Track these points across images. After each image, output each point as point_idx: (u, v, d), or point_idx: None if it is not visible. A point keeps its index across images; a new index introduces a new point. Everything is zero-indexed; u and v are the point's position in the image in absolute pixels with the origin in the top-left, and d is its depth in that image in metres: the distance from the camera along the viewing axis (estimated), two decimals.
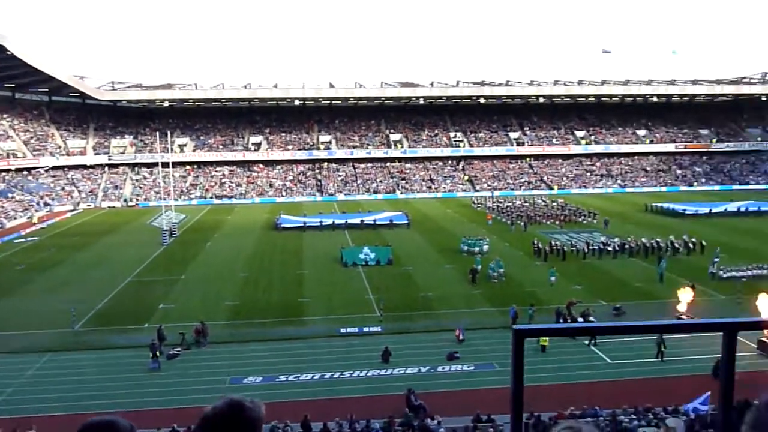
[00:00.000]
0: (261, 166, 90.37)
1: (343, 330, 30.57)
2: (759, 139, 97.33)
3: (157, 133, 76.78)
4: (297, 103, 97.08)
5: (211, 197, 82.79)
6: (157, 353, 26.62)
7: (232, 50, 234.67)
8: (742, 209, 64.26)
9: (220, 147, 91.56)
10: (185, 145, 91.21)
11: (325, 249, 49.30)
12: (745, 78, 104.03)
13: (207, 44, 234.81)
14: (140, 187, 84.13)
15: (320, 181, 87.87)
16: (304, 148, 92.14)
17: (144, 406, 22.72)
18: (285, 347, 28.78)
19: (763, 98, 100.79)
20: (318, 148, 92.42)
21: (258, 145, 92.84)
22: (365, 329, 30.76)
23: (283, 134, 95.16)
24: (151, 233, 58.13)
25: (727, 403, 2.17)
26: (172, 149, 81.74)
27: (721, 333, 2.12)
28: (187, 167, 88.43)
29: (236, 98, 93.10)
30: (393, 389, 23.95)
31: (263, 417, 2.04)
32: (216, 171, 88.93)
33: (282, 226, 59.49)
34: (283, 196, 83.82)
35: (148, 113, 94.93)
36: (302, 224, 59.90)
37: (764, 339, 26.84)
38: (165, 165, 70.60)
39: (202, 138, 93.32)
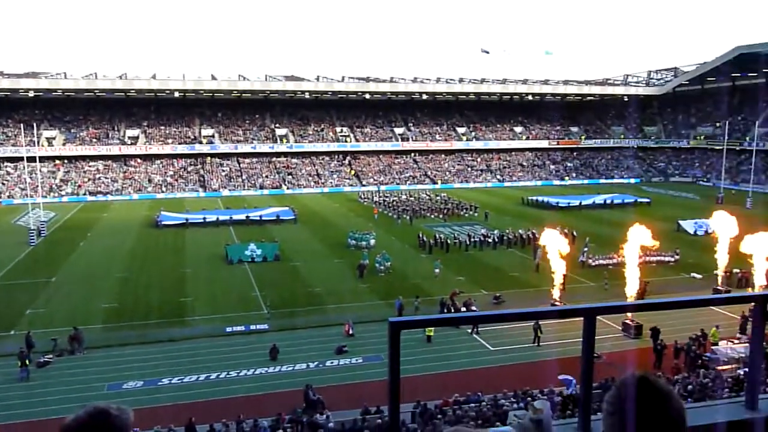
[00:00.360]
0: (139, 160, 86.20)
1: (228, 329, 29.91)
2: (622, 136, 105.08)
3: (22, 125, 71.18)
4: (177, 95, 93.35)
5: (84, 194, 77.90)
6: (26, 362, 24.77)
7: (105, 38, 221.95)
8: (608, 201, 69.12)
9: (94, 140, 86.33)
10: (54, 138, 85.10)
11: (209, 246, 47.90)
12: (609, 80, 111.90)
13: (78, 31, 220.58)
14: (3, 184, 77.64)
15: (203, 176, 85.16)
16: (186, 142, 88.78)
17: (12, 419, 21.11)
18: (167, 349, 27.75)
19: (625, 98, 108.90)
20: (200, 142, 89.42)
21: (135, 138, 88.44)
22: (252, 327, 30.28)
23: (163, 127, 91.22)
24: (17, 233, 53.84)
25: (587, 381, 2.33)
26: (39, 142, 76.24)
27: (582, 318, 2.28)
28: (57, 162, 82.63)
29: (111, 89, 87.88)
30: (281, 386, 23.82)
31: (131, 424, 1.91)
32: (89, 166, 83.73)
33: (163, 223, 57.12)
34: (163, 192, 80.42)
35: (10, 103, 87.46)
36: (184, 221, 57.80)
37: (627, 321, 29.10)
38: (31, 159, 65.66)
39: (73, 131, 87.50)
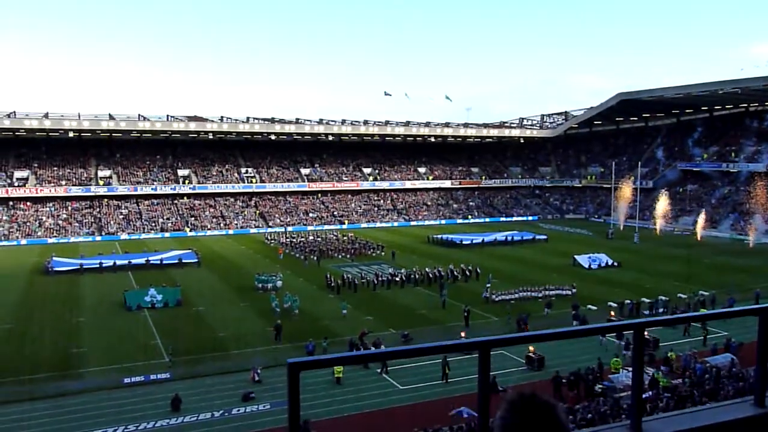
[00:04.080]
0: (28, 203, 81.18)
1: (127, 380, 28.33)
2: (519, 176, 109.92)
3: None
4: (72, 135, 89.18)
5: None
6: None
7: None
8: (509, 238, 71.68)
9: None
10: None
11: (105, 293, 45.50)
12: (506, 123, 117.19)
13: None
14: None
15: (99, 219, 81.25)
16: (81, 184, 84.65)
17: None
18: (60, 404, 25.91)
19: (521, 140, 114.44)
20: (97, 184, 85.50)
21: (24, 179, 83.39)
22: (152, 377, 28.84)
23: (56, 168, 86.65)
24: None
25: (483, 413, 2.41)
26: None
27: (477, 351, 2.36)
28: None
29: None
30: None
31: None
32: None
33: (54, 269, 53.79)
34: (55, 236, 75.91)
35: None
36: (78, 266, 54.74)
37: (530, 354, 29.97)
38: None
39: None
